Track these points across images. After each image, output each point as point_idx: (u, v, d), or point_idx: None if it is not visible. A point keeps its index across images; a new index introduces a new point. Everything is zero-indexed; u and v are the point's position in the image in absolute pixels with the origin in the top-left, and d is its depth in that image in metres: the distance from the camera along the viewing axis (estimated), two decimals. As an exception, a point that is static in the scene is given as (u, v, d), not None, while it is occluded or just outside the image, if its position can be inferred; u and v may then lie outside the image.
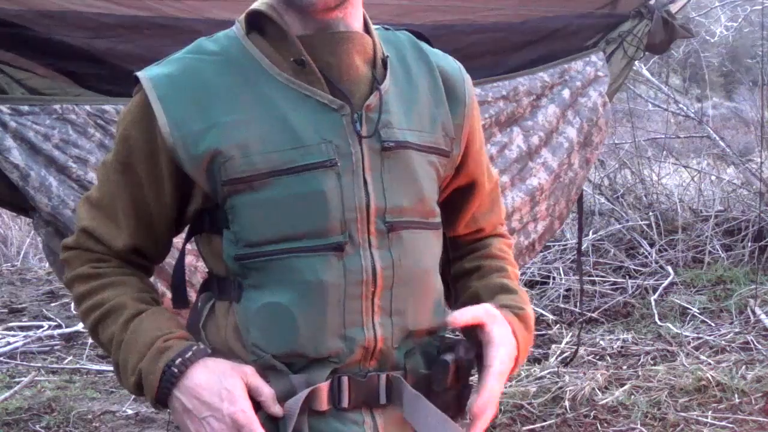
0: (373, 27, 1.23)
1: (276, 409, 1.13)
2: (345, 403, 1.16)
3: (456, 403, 1.24)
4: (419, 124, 1.21)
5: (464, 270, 1.36)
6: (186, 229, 1.29)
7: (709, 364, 3.95)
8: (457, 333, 1.33)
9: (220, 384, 1.11)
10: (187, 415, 1.12)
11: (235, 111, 1.14)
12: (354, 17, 1.19)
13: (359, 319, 1.15)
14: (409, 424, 1.19)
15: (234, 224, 1.16)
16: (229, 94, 1.15)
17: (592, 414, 3.50)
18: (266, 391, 1.13)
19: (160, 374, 1.12)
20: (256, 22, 1.18)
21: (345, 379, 1.16)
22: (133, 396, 2.95)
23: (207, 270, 1.28)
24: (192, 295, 1.44)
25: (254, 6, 1.18)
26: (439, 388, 1.19)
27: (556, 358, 4.16)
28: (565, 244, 5.81)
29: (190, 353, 1.13)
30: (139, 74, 1.18)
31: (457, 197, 1.33)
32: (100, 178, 1.26)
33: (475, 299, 1.30)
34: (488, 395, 1.18)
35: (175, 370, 1.12)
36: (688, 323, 4.65)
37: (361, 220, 1.14)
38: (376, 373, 1.18)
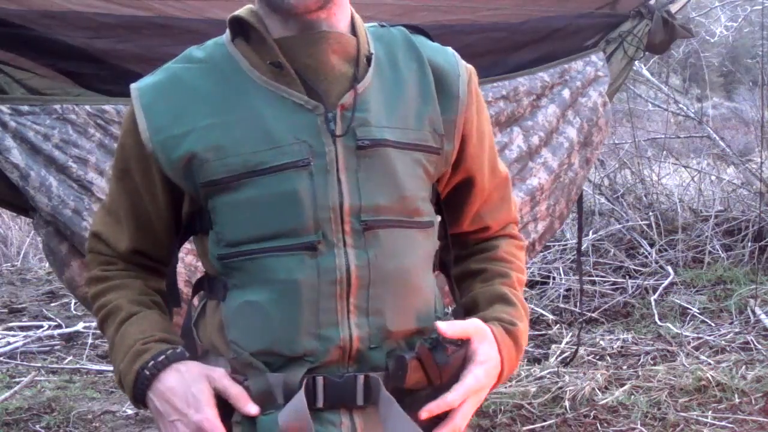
0: (362, 25, 1.23)
1: (248, 408, 1.15)
2: (320, 404, 1.16)
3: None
4: (403, 122, 1.20)
5: (469, 271, 1.35)
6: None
7: (709, 364, 3.94)
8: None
9: (188, 390, 1.15)
10: (159, 417, 1.17)
11: (213, 115, 1.16)
12: (338, 17, 1.19)
13: (334, 318, 1.15)
14: None
15: (216, 224, 1.19)
16: (209, 99, 1.18)
17: (592, 414, 3.49)
18: (234, 392, 1.15)
19: (135, 376, 1.18)
20: (239, 28, 1.20)
21: (320, 380, 1.16)
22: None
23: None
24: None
25: (236, 12, 1.20)
26: (396, 385, 1.17)
27: (556, 358, 4.16)
28: (565, 244, 5.81)
29: (162, 357, 1.18)
30: (132, 85, 1.23)
31: (456, 193, 1.32)
32: (109, 184, 1.33)
33: (474, 305, 1.30)
34: (443, 406, 1.16)
35: (148, 373, 1.17)
36: (688, 323, 4.65)
37: (334, 220, 1.15)
38: (354, 374, 1.17)
